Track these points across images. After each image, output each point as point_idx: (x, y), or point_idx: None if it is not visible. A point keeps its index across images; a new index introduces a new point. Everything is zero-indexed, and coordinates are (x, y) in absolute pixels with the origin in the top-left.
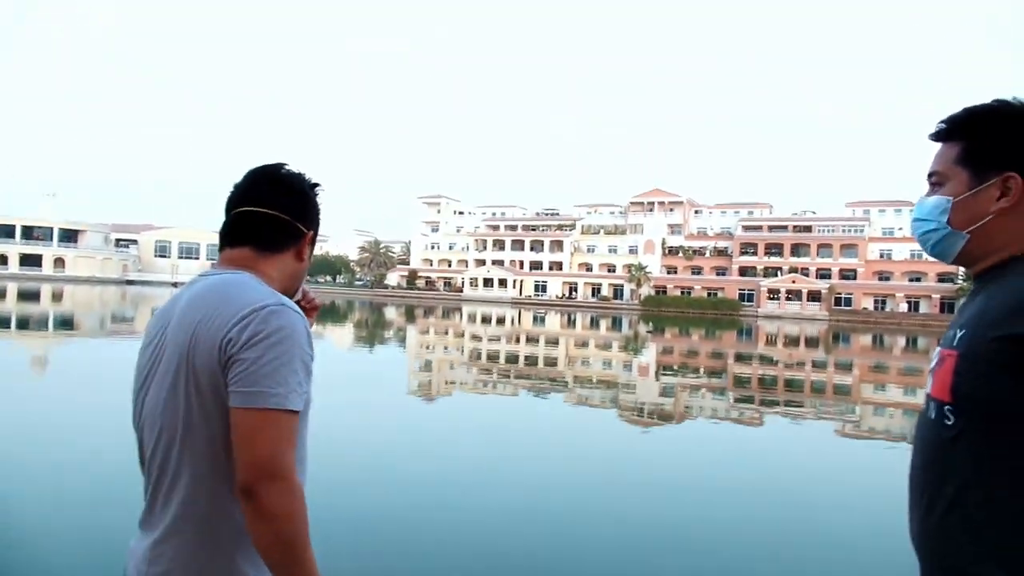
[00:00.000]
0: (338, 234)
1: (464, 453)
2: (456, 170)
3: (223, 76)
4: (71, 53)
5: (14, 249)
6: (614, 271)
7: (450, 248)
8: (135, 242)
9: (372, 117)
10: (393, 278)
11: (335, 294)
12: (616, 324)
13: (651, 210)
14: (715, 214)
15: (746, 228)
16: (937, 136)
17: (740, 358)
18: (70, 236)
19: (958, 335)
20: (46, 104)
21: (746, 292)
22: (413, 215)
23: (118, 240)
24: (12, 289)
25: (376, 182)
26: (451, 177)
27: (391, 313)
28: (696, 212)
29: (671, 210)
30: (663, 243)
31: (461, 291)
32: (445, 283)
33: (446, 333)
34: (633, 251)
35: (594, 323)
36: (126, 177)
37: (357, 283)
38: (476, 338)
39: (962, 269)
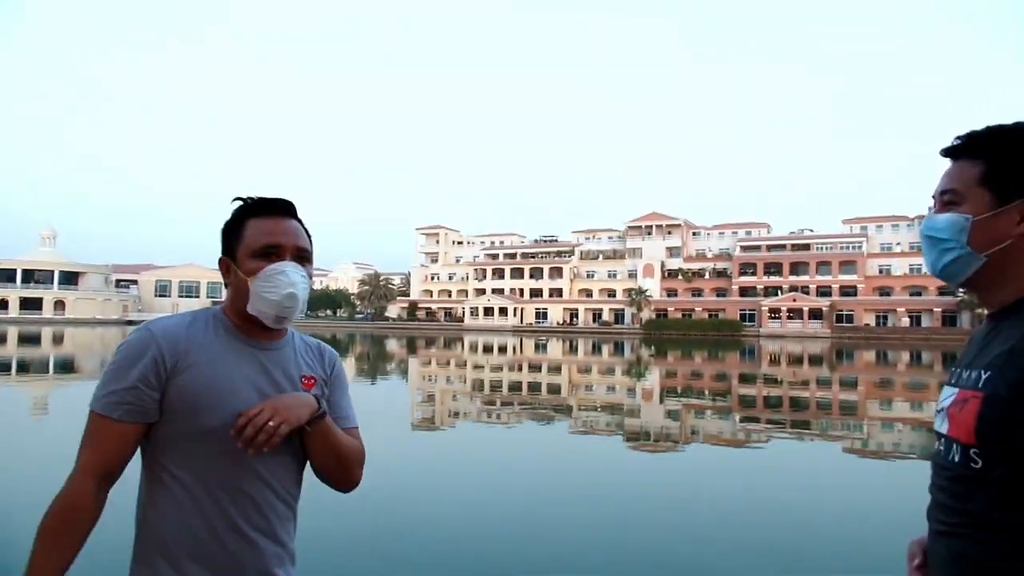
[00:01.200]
0: (338, 268)
1: (466, 483)
2: (454, 200)
3: (219, 105)
4: (67, 94)
5: (14, 293)
6: (614, 296)
7: (450, 278)
8: (135, 282)
9: (367, 150)
10: (394, 310)
11: (336, 328)
12: (618, 349)
13: (649, 234)
14: (713, 235)
15: (744, 248)
16: (951, 152)
17: (744, 379)
18: (70, 278)
19: (983, 376)
20: (42, 144)
21: (747, 312)
22: (412, 247)
23: (118, 281)
24: (13, 333)
25: (374, 215)
26: (449, 208)
27: (392, 345)
28: (694, 234)
29: (669, 233)
30: (662, 266)
31: (462, 321)
32: (446, 313)
33: (448, 363)
34: (632, 275)
35: (596, 348)
36: (123, 216)
37: (358, 316)
38: (478, 367)
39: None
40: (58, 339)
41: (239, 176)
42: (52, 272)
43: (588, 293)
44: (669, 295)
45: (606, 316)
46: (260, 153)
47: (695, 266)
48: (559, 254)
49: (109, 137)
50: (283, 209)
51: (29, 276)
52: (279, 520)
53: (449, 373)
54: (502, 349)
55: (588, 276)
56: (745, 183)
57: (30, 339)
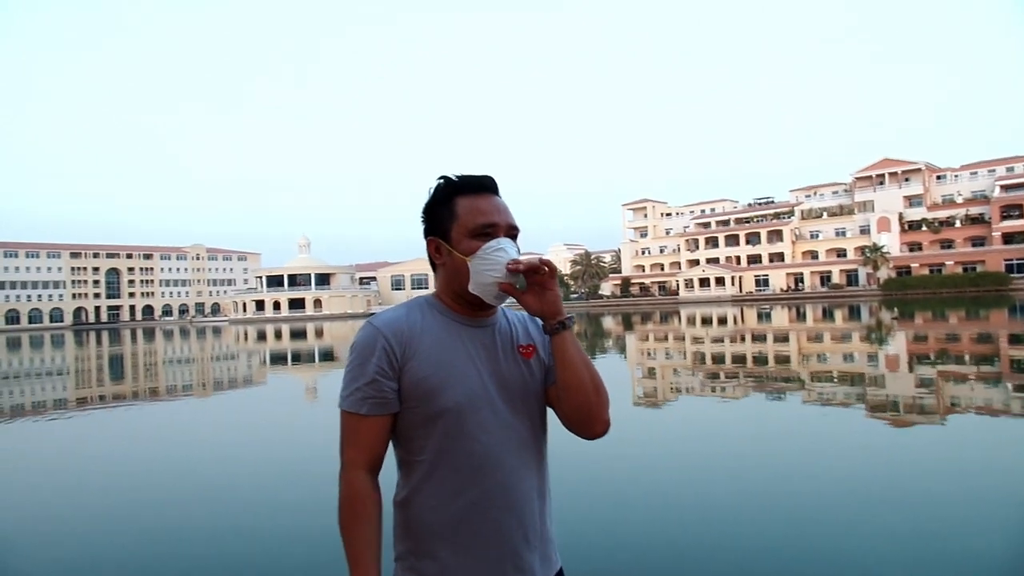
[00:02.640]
0: (549, 250)
1: (693, 464)
2: (658, 173)
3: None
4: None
5: (284, 296)
6: (844, 255)
7: (661, 251)
8: (374, 279)
9: (569, 129)
10: (607, 288)
11: None
12: (853, 313)
13: (881, 183)
14: (963, 177)
15: (1006, 188)
16: None
17: (1017, 340)
18: (324, 279)
19: None
20: (289, 161)
21: (1015, 262)
22: (619, 222)
23: (361, 278)
24: (285, 329)
25: (581, 194)
26: (654, 180)
27: (608, 322)
28: (939, 178)
29: (907, 180)
30: (900, 218)
31: (677, 294)
32: (660, 287)
33: (666, 337)
34: (865, 231)
35: (827, 314)
36: (362, 223)
37: (572, 296)
38: (698, 340)
39: None
40: (319, 333)
41: (443, 164)
42: (309, 275)
43: (813, 255)
44: (911, 250)
45: (836, 278)
46: (464, 140)
47: (942, 214)
48: (777, 216)
49: (352, 151)
50: (492, 187)
51: (293, 280)
52: (524, 499)
53: (668, 347)
54: (722, 320)
55: (812, 236)
56: (1002, 108)
57: (298, 334)
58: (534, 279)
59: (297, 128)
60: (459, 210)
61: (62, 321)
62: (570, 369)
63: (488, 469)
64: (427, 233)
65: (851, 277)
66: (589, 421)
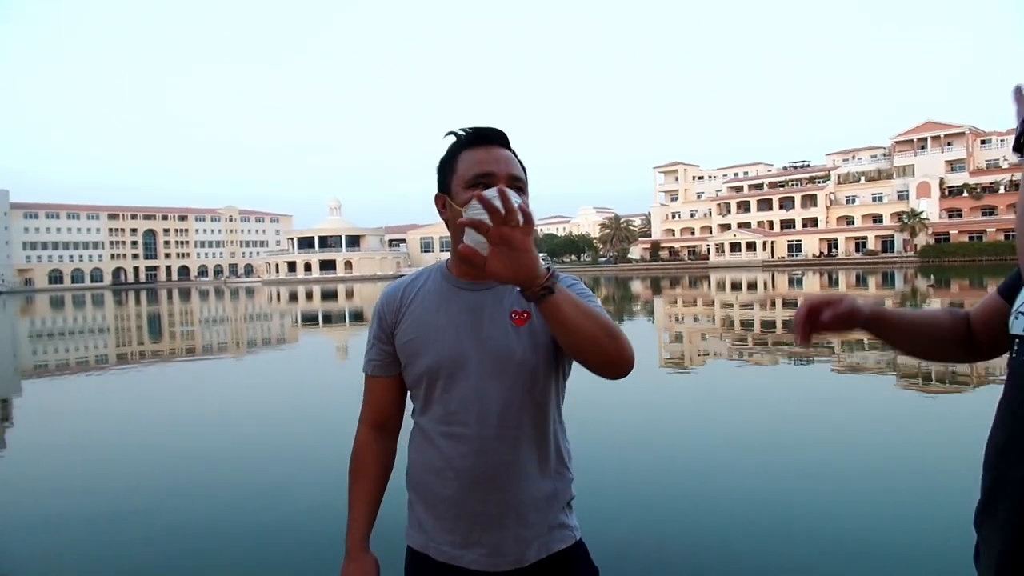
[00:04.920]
0: (579, 213)
1: (724, 432)
2: (692, 137)
3: (453, 65)
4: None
5: (315, 257)
6: (880, 221)
7: (692, 215)
8: (404, 241)
9: (599, 93)
10: (636, 252)
11: (580, 272)
12: (887, 280)
13: (923, 147)
14: (1009, 141)
15: None
16: None
17: None
18: (354, 241)
19: None
20: (319, 124)
21: None
22: (650, 186)
23: (391, 240)
24: (316, 291)
25: (610, 158)
26: (687, 145)
27: (637, 286)
28: (983, 142)
29: (949, 144)
30: (941, 183)
31: (707, 258)
32: (690, 252)
33: (694, 302)
34: (903, 197)
35: (860, 280)
36: (390, 181)
37: (601, 260)
38: (727, 305)
39: None
40: (349, 294)
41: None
42: (340, 237)
43: (848, 220)
44: (951, 216)
45: (871, 244)
46: (495, 102)
47: (985, 180)
48: (812, 180)
49: (377, 112)
50: (495, 138)
51: (324, 242)
52: (500, 471)
53: (696, 312)
54: (751, 286)
55: (848, 202)
56: None
57: (329, 295)
58: (497, 233)
59: (332, 90)
60: (460, 163)
61: (102, 281)
62: (575, 332)
63: (457, 436)
64: (438, 191)
65: (887, 243)
66: (614, 368)
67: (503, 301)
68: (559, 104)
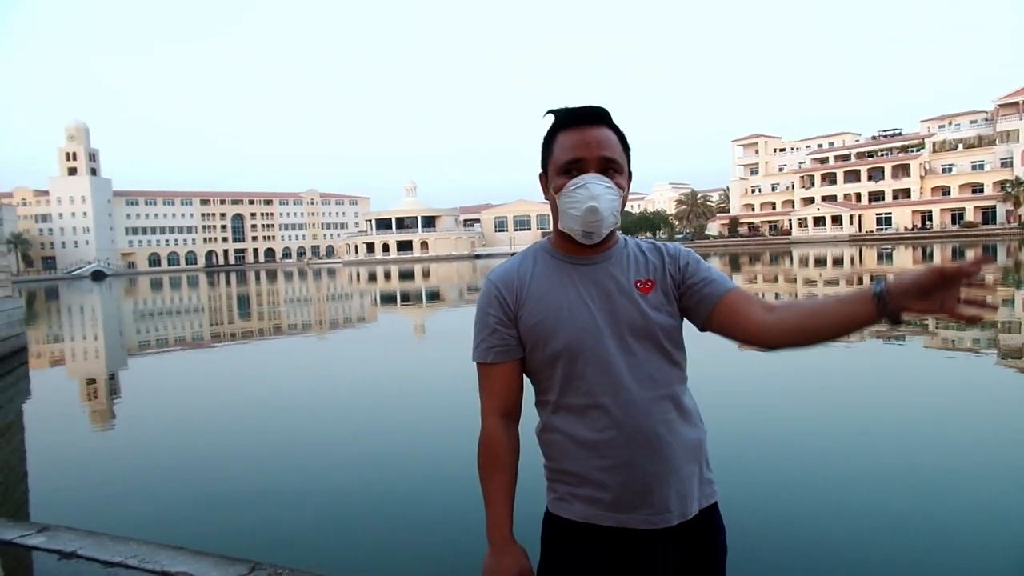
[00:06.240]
0: (654, 189)
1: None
2: (771, 108)
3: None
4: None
5: (392, 238)
6: (981, 191)
7: (773, 189)
8: (478, 221)
9: (675, 68)
10: (714, 228)
11: None
12: (988, 253)
13: None
14: None
15: None
16: None
17: None
18: (430, 222)
19: None
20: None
21: None
22: (729, 160)
23: (465, 221)
24: (395, 271)
25: (687, 133)
26: (766, 117)
27: (715, 264)
28: None
29: None
30: None
31: (789, 233)
32: (770, 227)
33: (776, 279)
34: (1007, 164)
35: (958, 254)
36: (465, 163)
37: (677, 236)
38: (810, 282)
39: None
40: (426, 274)
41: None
42: (416, 218)
43: (944, 191)
44: None
45: (970, 216)
46: (571, 80)
47: None
48: (904, 149)
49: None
50: (591, 118)
51: (400, 223)
52: (649, 435)
53: (778, 289)
54: (837, 261)
55: (944, 171)
56: None
57: (406, 275)
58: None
59: (407, 76)
60: (556, 146)
61: (195, 263)
62: (833, 330)
63: (605, 407)
64: (541, 169)
65: (987, 215)
66: (778, 345)
67: (625, 272)
68: (633, 80)
